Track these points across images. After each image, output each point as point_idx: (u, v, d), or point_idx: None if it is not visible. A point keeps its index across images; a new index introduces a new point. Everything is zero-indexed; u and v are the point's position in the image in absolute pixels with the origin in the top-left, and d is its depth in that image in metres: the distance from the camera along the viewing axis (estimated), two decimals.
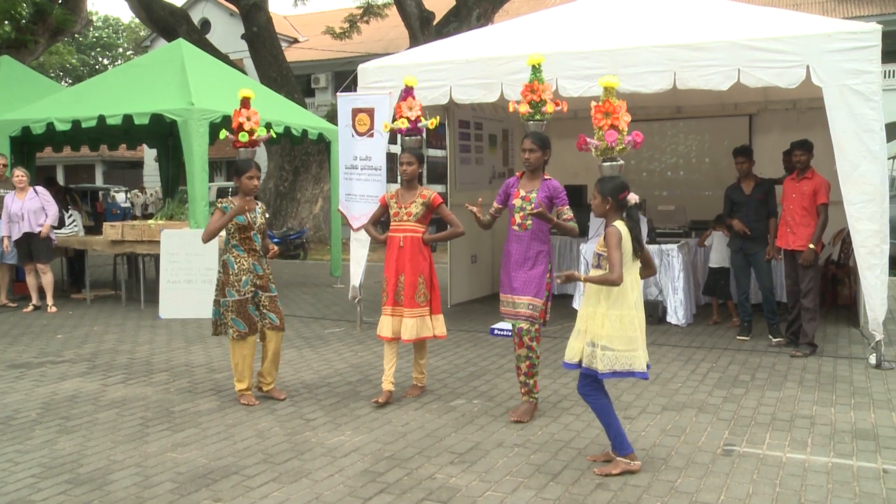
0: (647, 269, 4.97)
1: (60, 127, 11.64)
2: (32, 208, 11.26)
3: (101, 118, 11.32)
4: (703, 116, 12.41)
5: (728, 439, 5.46)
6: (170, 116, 10.96)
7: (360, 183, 9.20)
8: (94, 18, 55.83)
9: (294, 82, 22.93)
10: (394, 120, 6.89)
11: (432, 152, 11.77)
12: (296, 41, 40.76)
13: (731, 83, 7.80)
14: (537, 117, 5.99)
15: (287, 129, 12.49)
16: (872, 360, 7.51)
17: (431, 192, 6.60)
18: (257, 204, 6.60)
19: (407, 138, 6.72)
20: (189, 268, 10.55)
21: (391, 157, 9.62)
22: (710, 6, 9.10)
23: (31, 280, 11.43)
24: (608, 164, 4.96)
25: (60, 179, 41.46)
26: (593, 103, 5.02)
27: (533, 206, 5.86)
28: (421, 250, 6.48)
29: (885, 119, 7.51)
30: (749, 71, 7.71)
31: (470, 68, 8.97)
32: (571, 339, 4.94)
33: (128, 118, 11.21)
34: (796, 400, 6.40)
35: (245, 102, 6.68)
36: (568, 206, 6.00)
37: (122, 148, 17.37)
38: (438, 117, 7.67)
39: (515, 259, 6.09)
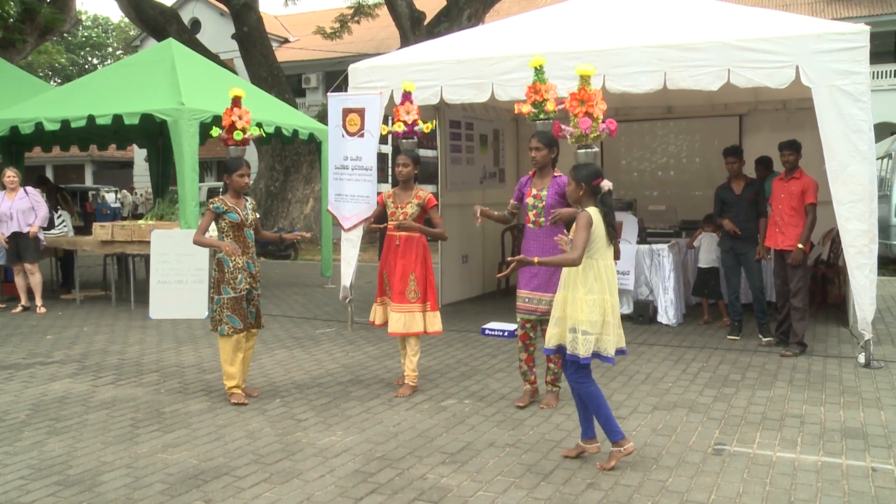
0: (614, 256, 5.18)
1: (49, 127, 11.59)
2: (22, 208, 11.22)
3: (91, 118, 11.28)
4: (693, 116, 12.44)
5: (718, 438, 5.47)
6: (160, 116, 10.93)
7: (350, 183, 9.19)
8: (84, 18, 55.68)
9: (285, 82, 22.91)
10: (391, 123, 7.11)
11: (423, 152, 11.78)
12: (286, 41, 40.70)
13: (721, 83, 7.83)
14: (542, 116, 6.06)
15: (278, 129, 12.47)
16: (861, 359, 7.54)
17: (427, 193, 6.79)
18: (247, 200, 6.67)
19: (403, 141, 6.98)
20: (179, 268, 10.53)
21: (381, 158, 9.63)
22: (700, 6, 9.13)
23: (19, 281, 11.39)
24: (583, 150, 5.10)
25: (44, 175, 41.34)
26: (569, 91, 5.07)
27: (544, 203, 6.14)
28: (416, 249, 6.69)
29: (873, 119, 7.55)
30: (739, 71, 7.74)
31: (461, 68, 8.98)
32: (550, 326, 5.06)
33: (118, 118, 11.17)
34: (786, 399, 6.42)
35: (236, 101, 6.76)
36: None
37: (111, 148, 17.30)
38: (435, 122, 7.81)
39: (535, 255, 6.15)
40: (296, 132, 12.92)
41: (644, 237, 10.31)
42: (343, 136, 9.22)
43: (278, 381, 7.23)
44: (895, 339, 8.79)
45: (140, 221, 11.73)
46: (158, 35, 20.81)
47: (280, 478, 4.82)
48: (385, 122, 9.63)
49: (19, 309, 11.23)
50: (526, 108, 6.06)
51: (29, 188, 11.62)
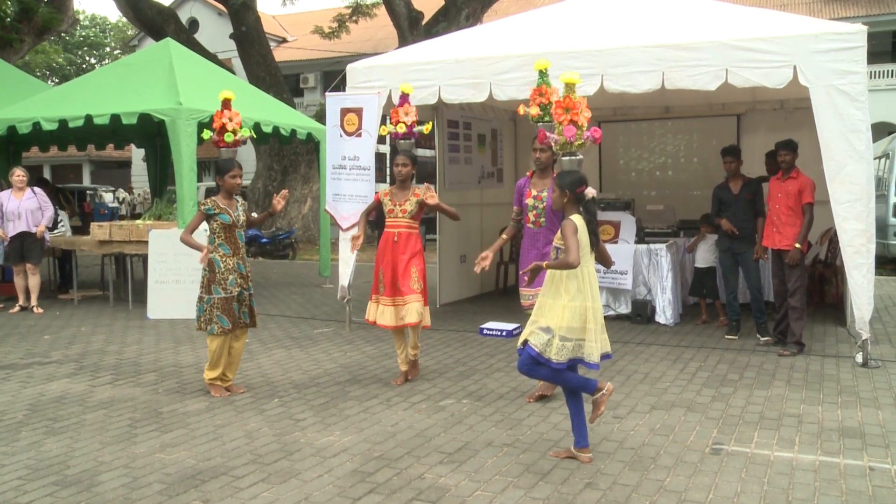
0: (604, 264, 5.27)
1: (47, 126, 11.58)
2: (30, 208, 11.25)
3: (89, 118, 11.26)
4: (691, 116, 12.45)
5: (716, 438, 5.48)
6: (158, 116, 10.91)
7: (348, 183, 9.19)
8: (81, 17, 55.66)
9: (283, 82, 22.90)
10: (390, 123, 7.23)
11: (421, 152, 11.78)
12: (284, 41, 40.68)
13: (719, 83, 7.83)
14: (546, 118, 6.08)
15: (276, 128, 12.45)
16: (859, 358, 7.55)
17: (422, 188, 6.99)
18: (238, 201, 6.77)
19: (402, 141, 7.15)
20: (177, 268, 10.52)
21: (379, 158, 9.63)
22: (698, 6, 9.14)
23: (19, 281, 11.36)
24: (567, 158, 5.13)
25: (44, 177, 41.31)
26: (554, 99, 5.09)
27: (545, 204, 6.26)
28: (414, 243, 6.94)
29: (870, 119, 7.56)
30: (737, 71, 7.75)
31: (459, 68, 8.97)
32: (527, 325, 5.06)
33: (115, 118, 11.15)
34: (784, 399, 6.42)
35: (226, 103, 6.81)
36: None
37: (109, 147, 17.29)
38: (432, 123, 7.88)
39: (535, 256, 6.33)
40: (294, 132, 12.91)
41: (642, 237, 10.31)
42: (341, 135, 9.22)
43: (276, 380, 7.23)
44: (892, 338, 8.80)
45: (138, 221, 11.71)
46: (156, 35, 20.79)
47: (278, 478, 4.82)
48: (383, 122, 9.65)
49: (17, 309, 11.22)
50: (534, 111, 6.08)
51: (36, 188, 11.63)
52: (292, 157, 22.95)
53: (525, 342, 4.98)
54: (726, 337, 8.87)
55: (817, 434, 5.54)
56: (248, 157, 34.50)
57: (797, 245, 8.01)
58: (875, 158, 15.99)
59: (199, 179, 10.24)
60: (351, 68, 9.68)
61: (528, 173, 6.54)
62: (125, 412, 6.26)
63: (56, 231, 12.32)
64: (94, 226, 11.57)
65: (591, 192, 4.97)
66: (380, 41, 33.40)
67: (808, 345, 8.22)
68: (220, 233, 6.57)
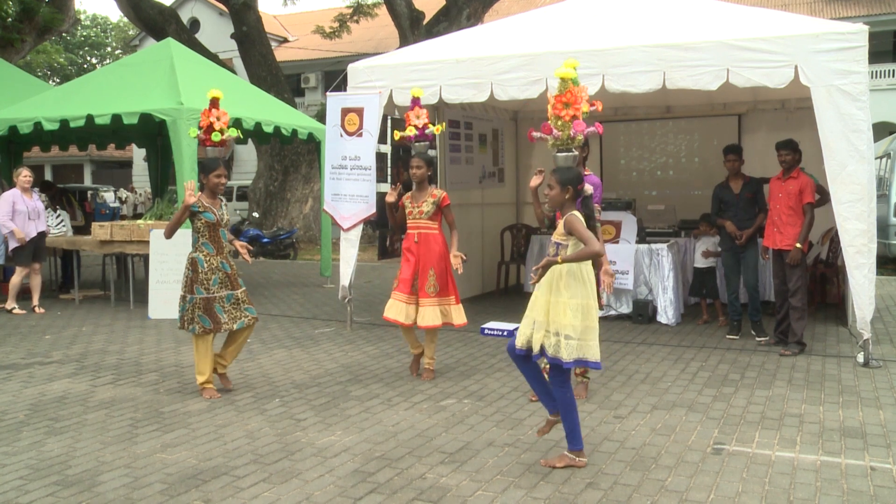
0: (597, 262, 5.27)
1: (48, 126, 11.58)
2: (40, 208, 11.31)
3: (90, 117, 11.26)
4: (692, 116, 12.44)
5: (718, 438, 5.48)
6: (159, 116, 10.91)
7: (349, 183, 9.19)
8: (82, 17, 55.72)
9: (284, 82, 22.90)
10: (403, 128, 7.37)
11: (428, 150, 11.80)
12: (285, 40, 40.71)
13: (720, 83, 7.82)
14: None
15: (277, 128, 12.46)
16: (860, 358, 7.54)
17: (441, 192, 7.26)
18: (222, 200, 6.79)
19: (416, 144, 7.29)
20: (179, 268, 10.40)
21: (380, 157, 9.63)
22: (698, 6, 9.13)
23: (25, 281, 11.34)
24: (563, 154, 5.00)
25: (48, 179, 41.31)
26: (551, 94, 5.02)
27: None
28: (434, 245, 7.14)
29: (871, 119, 7.55)
30: (738, 71, 7.73)
31: (460, 68, 8.97)
32: (523, 328, 4.96)
33: (116, 118, 11.15)
34: (785, 398, 6.42)
35: (214, 102, 6.82)
36: (600, 207, 6.42)
37: (110, 147, 17.29)
38: (444, 123, 7.93)
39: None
40: (295, 132, 12.92)
41: (643, 237, 10.31)
42: (341, 135, 9.22)
43: (277, 380, 7.23)
44: (894, 338, 8.80)
45: (139, 221, 11.72)
46: (157, 35, 20.80)
47: (279, 477, 4.82)
48: (384, 121, 9.65)
49: (11, 307, 11.14)
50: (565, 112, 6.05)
51: (34, 189, 11.67)
52: (293, 157, 22.96)
53: (542, 349, 4.86)
54: (727, 337, 8.87)
55: (819, 434, 5.54)
56: (248, 156, 34.57)
57: (798, 245, 8.01)
58: (876, 158, 15.98)
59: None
60: (352, 68, 9.67)
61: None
62: (126, 412, 6.26)
63: (57, 231, 12.31)
64: (95, 226, 11.57)
65: (588, 188, 4.97)
66: (381, 41, 33.43)
67: (809, 345, 8.22)
68: (205, 231, 6.59)
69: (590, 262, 4.94)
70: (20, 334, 9.56)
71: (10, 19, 20.06)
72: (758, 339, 8.56)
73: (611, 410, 6.16)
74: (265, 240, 19.99)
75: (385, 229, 10.48)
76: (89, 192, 29.19)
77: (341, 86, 9.87)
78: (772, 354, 8.04)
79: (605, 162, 12.92)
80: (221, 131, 6.84)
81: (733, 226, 8.75)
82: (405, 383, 7.09)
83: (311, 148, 19.83)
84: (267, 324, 10.09)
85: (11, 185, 11.59)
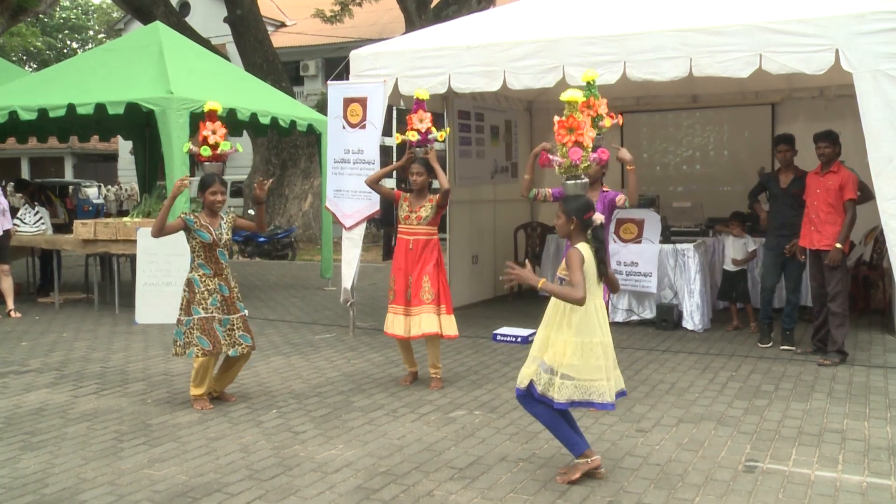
0: (612, 289, 5.23)
1: (25, 116, 11.57)
2: (4, 205, 11.28)
3: (71, 107, 11.27)
4: (721, 106, 12.40)
5: (750, 454, 5.45)
6: (147, 106, 10.93)
7: (352, 178, 9.20)
8: None
9: (281, 69, 22.92)
10: (405, 131, 7.40)
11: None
12: (283, 25, 40.74)
13: (751, 70, 7.77)
14: (596, 131, 6.07)
15: (274, 119, 12.47)
16: None
17: (436, 195, 7.32)
18: (223, 219, 6.78)
19: (417, 149, 7.32)
20: (168, 269, 10.51)
21: (385, 151, 9.63)
22: None
23: (6, 283, 11.33)
24: (572, 182, 5.09)
25: (25, 174, 41.47)
26: (556, 118, 5.06)
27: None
28: (429, 251, 7.21)
29: None
30: (771, 56, 7.68)
31: (470, 55, 8.96)
32: (525, 367, 5.00)
33: (100, 107, 11.16)
34: (825, 412, 6.38)
35: (211, 115, 6.78)
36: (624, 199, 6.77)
37: (94, 139, 17.39)
38: (448, 129, 8.02)
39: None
40: (293, 123, 12.93)
41: (668, 236, 10.28)
42: (343, 127, 9.23)
43: (275, 390, 7.23)
44: None
45: (125, 219, 11.72)
46: (144, 18, 20.82)
47: (276, 495, 4.81)
48: (389, 112, 9.64)
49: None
50: (588, 136, 6.07)
51: None
52: (292, 151, 22.98)
53: (530, 382, 4.92)
54: (759, 345, 8.82)
55: (863, 452, 5.49)
56: (245, 149, 34.61)
57: (838, 245, 7.95)
58: None
59: (192, 174, 10.26)
60: (355, 55, 9.68)
61: None
62: (110, 424, 6.26)
63: (35, 230, 12.28)
64: (77, 223, 11.57)
65: (598, 217, 4.97)
66: (385, 26, 33.42)
67: (851, 354, 8.17)
68: (200, 251, 6.62)
69: (600, 296, 4.98)
70: None
71: None
72: (783, 348, 8.53)
73: (633, 424, 6.14)
74: (261, 239, 20.01)
75: (390, 228, 10.48)
76: (71, 188, 29.29)
77: (343, 74, 9.89)
78: (809, 364, 8.00)
79: (624, 166, 12.86)
80: (216, 145, 6.81)
81: (765, 217, 8.72)
82: (411, 393, 7.08)
83: (311, 141, 19.83)
84: (263, 329, 10.10)
85: None
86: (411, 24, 20.29)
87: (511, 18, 9.72)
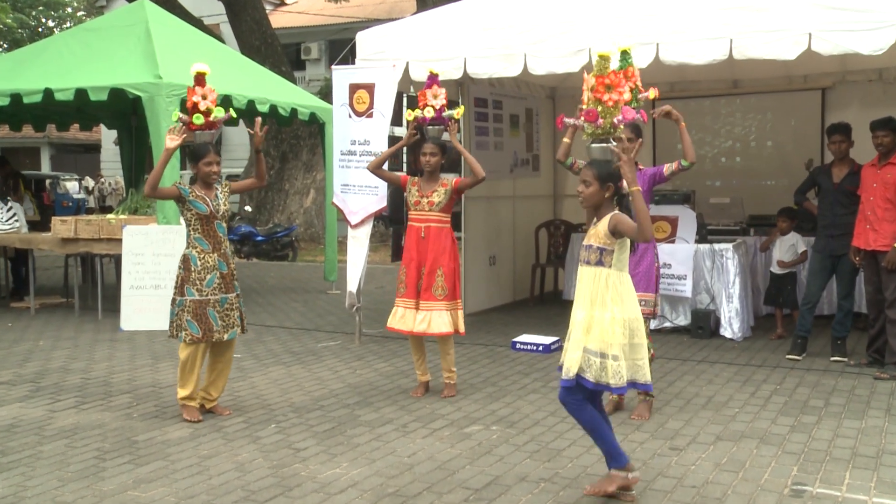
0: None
1: None
2: None
3: (48, 92, 11.25)
4: (765, 92, 12.36)
5: (797, 477, 5.42)
6: (133, 92, 10.94)
7: (358, 171, 9.20)
8: None
9: (281, 52, 22.95)
10: (418, 108, 7.42)
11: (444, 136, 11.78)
12: (283, 3, 40.85)
13: (800, 51, 7.71)
14: (633, 105, 6.04)
15: (273, 107, 12.47)
16: None
17: (451, 177, 7.46)
18: (218, 189, 6.86)
19: (430, 128, 7.39)
20: (157, 270, 10.53)
21: (394, 141, 9.62)
22: None
23: None
24: (598, 145, 5.01)
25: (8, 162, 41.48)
26: (586, 74, 5.00)
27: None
28: (443, 240, 7.26)
29: None
30: (822, 35, 7.60)
31: (488, 37, 8.96)
32: (571, 350, 4.93)
33: (81, 93, 11.18)
34: (883, 432, 6.33)
35: (199, 79, 6.79)
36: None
37: (74, 128, 17.42)
38: (464, 107, 8.05)
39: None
40: (294, 112, 12.95)
41: (704, 235, 10.25)
42: (350, 116, 9.23)
43: (273, 403, 7.24)
44: None
45: (109, 216, 11.72)
46: None
47: None
48: (399, 100, 9.63)
49: None
50: (627, 95, 6.06)
51: None
52: (292, 142, 23.03)
53: (577, 373, 4.87)
54: (788, 357, 8.71)
55: None
56: (240, 140, 34.68)
57: None
58: None
59: (183, 167, 10.24)
60: (361, 37, 9.69)
61: None
62: (92, 442, 6.26)
63: (8, 227, 12.25)
64: (55, 221, 11.58)
65: (626, 186, 4.95)
66: (395, 5, 33.46)
67: None
68: (196, 224, 6.66)
69: (629, 278, 4.95)
70: None
71: None
72: (833, 359, 8.48)
73: (666, 441, 6.12)
74: (259, 238, 20.06)
75: (400, 226, 10.48)
76: (48, 181, 29.37)
77: (349, 58, 9.87)
78: (864, 377, 7.95)
79: (658, 147, 12.85)
80: (208, 111, 6.82)
81: (812, 208, 8.73)
82: (422, 407, 7.08)
83: (314, 131, 19.85)
84: (262, 336, 10.11)
85: None
86: (423, 3, 20.27)
87: None
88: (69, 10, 58.11)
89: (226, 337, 6.70)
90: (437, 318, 7.16)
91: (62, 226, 11.39)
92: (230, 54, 14.50)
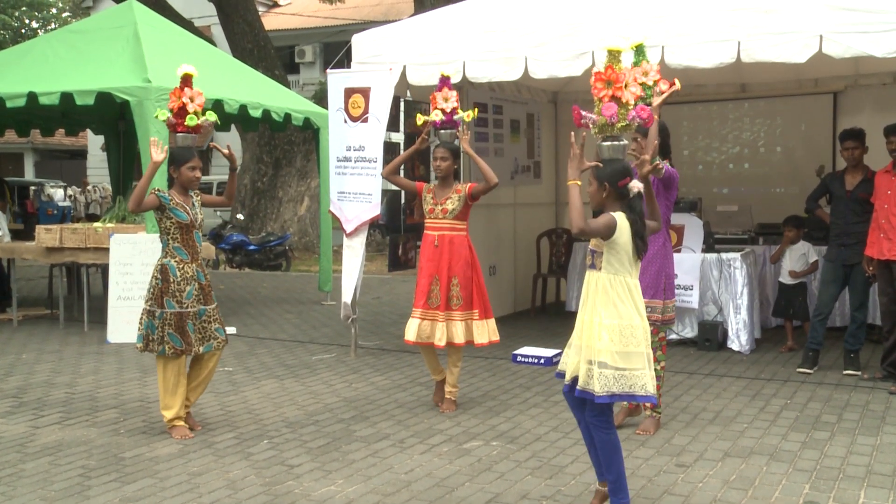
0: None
1: None
2: None
3: (32, 96, 11.24)
4: (774, 96, 12.37)
5: (809, 496, 5.41)
6: (120, 96, 10.94)
7: (353, 178, 9.20)
8: None
9: (274, 55, 22.99)
10: (428, 112, 7.52)
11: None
12: (276, 5, 40.93)
13: (810, 54, 7.71)
14: (647, 100, 6.10)
15: (266, 112, 12.48)
16: None
17: (467, 183, 7.51)
18: (193, 197, 6.84)
19: (441, 132, 7.45)
20: (145, 281, 10.42)
21: (390, 148, 9.63)
22: None
23: None
24: (608, 143, 5.00)
25: None
26: (594, 70, 5.01)
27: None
28: (458, 248, 7.36)
29: None
30: (834, 37, 7.59)
31: (488, 39, 8.96)
32: (570, 353, 5.00)
33: (67, 97, 11.16)
34: None
35: (186, 80, 6.79)
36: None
37: (59, 134, 17.40)
38: (476, 109, 8.06)
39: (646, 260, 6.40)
40: (288, 117, 12.95)
41: (711, 244, 10.25)
42: (345, 121, 9.23)
43: (266, 418, 7.23)
44: None
45: (96, 224, 11.72)
46: None
47: None
48: (395, 104, 9.64)
49: None
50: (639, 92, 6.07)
51: None
52: (286, 148, 23.06)
53: (574, 379, 4.90)
54: (798, 370, 8.71)
55: None
56: (233, 147, 34.75)
57: None
58: None
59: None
60: (357, 39, 9.70)
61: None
62: (76, 459, 6.25)
63: None
64: (39, 229, 11.56)
65: (636, 185, 4.92)
66: (391, 6, 33.54)
67: None
68: (176, 234, 6.65)
69: (637, 275, 4.94)
70: None
71: None
72: (846, 373, 8.48)
73: (672, 457, 6.11)
74: (252, 247, 20.06)
75: (397, 235, 10.47)
76: (32, 188, 29.32)
77: (344, 61, 9.88)
78: (878, 392, 7.94)
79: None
80: (196, 114, 6.82)
81: (825, 216, 8.73)
82: (421, 421, 7.07)
83: (308, 136, 19.89)
84: (254, 349, 10.10)
85: None
86: (421, 5, 20.30)
87: None
88: (54, 11, 58.00)
89: (202, 350, 6.70)
90: (450, 329, 7.25)
91: (47, 235, 11.35)
92: (222, 57, 14.51)
